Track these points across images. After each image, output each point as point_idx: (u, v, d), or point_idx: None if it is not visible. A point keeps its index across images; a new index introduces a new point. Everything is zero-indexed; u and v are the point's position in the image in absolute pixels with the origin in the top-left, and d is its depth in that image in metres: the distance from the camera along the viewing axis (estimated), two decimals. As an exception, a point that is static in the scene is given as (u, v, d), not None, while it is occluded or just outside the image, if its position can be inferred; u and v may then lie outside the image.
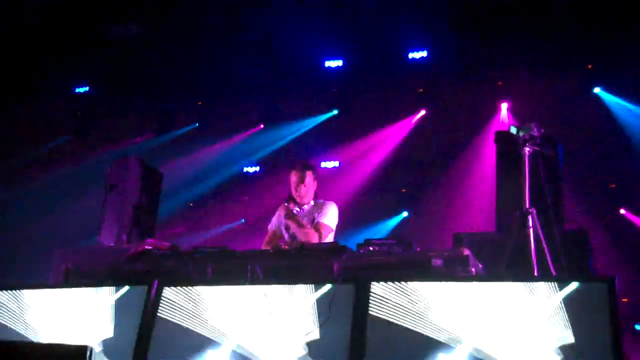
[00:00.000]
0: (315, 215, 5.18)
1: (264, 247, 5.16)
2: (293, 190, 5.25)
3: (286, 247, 4.78)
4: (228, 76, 9.82)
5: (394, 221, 9.32)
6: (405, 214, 9.35)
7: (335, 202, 5.34)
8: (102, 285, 3.99)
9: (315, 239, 4.98)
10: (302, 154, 9.35)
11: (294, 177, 5.26)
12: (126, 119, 10.62)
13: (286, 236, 5.19)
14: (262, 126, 10.21)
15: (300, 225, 5.07)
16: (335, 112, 9.99)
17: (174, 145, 10.28)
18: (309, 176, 5.26)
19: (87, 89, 10.83)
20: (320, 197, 5.39)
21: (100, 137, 10.56)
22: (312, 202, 5.27)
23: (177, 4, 8.94)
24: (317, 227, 5.08)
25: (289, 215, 5.14)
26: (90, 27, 9.42)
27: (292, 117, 10.07)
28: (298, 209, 5.23)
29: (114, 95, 10.57)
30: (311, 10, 8.57)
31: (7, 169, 10.15)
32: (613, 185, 8.26)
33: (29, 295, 4.05)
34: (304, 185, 5.22)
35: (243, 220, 9.85)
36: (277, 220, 5.31)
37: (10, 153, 10.35)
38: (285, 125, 10.07)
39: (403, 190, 9.39)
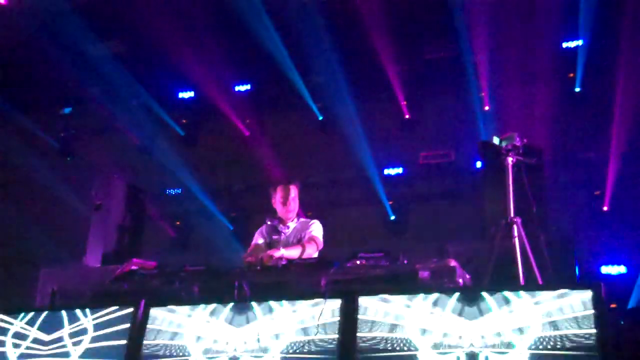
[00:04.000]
0: (302, 233, 5.09)
1: (246, 258, 4.86)
2: (280, 206, 5.14)
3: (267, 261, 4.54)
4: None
5: (381, 233, 9.31)
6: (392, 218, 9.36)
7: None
8: (88, 307, 3.95)
9: (312, 250, 4.91)
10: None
11: (281, 192, 5.15)
12: (110, 137, 10.59)
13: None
14: None
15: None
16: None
17: (158, 163, 10.22)
18: (295, 190, 5.18)
19: (70, 109, 10.81)
20: (302, 214, 5.30)
21: (84, 156, 10.50)
22: (295, 220, 5.18)
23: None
24: (311, 240, 4.99)
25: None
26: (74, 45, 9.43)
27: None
28: (282, 226, 5.16)
29: (97, 114, 10.54)
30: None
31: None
32: (598, 192, 8.30)
33: (16, 319, 4.01)
34: (292, 200, 5.14)
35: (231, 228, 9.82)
36: (260, 237, 5.17)
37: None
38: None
39: (390, 203, 9.39)
